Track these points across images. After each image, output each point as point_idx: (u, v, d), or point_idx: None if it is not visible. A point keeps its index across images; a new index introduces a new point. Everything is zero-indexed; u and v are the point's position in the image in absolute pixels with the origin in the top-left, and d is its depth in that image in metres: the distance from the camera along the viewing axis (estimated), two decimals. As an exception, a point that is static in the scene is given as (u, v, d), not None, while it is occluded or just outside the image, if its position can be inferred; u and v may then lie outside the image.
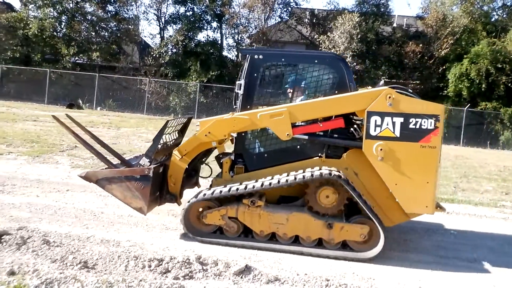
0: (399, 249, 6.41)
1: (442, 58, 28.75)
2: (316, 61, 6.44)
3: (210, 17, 32.52)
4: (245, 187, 5.82)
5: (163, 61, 30.91)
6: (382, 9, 31.11)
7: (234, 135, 6.44)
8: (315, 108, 6.09)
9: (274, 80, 6.64)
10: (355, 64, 27.48)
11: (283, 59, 6.69)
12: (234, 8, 32.30)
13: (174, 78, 30.22)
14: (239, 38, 32.82)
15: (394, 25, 32.79)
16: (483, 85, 26.97)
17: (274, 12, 32.10)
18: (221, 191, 5.86)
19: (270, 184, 5.79)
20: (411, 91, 6.23)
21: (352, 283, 5.00)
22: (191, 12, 32.52)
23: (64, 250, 5.02)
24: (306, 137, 6.20)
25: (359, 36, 27.82)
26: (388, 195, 6.02)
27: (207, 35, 33.49)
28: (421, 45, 28.76)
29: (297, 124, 6.15)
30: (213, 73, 29.37)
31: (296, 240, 6.01)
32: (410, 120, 5.80)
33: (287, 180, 5.79)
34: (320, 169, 5.94)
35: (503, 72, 27.02)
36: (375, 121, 5.85)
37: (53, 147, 11.97)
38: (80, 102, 27.94)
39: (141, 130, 18.33)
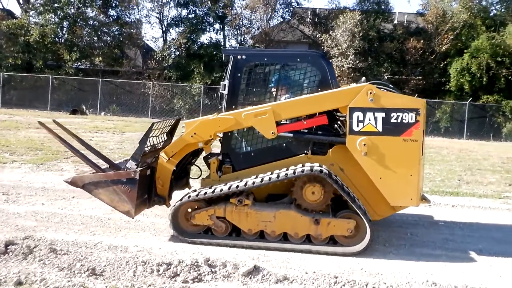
0: (406, 243, 6.39)
1: (443, 54, 28.61)
2: (298, 59, 6.55)
3: (212, 19, 32.52)
4: (229, 188, 5.83)
5: (166, 64, 30.89)
6: (382, 7, 31.05)
7: (221, 135, 6.45)
8: (298, 106, 6.12)
9: (257, 79, 6.66)
10: (357, 62, 27.34)
11: (265, 59, 6.75)
12: (236, 9, 32.36)
13: (178, 81, 30.19)
14: (242, 39, 32.78)
15: (395, 22, 32.75)
16: (484, 79, 26.86)
17: (276, 13, 32.12)
18: (205, 193, 5.87)
19: (253, 183, 5.81)
20: (391, 86, 6.30)
21: (360, 279, 4.97)
22: (193, 15, 32.55)
23: (71, 258, 4.98)
24: (291, 135, 6.25)
25: (361, 34, 27.70)
26: (374, 189, 6.04)
27: (209, 37, 33.65)
28: (422, 41, 28.63)
29: (281, 122, 6.19)
30: (217, 75, 29.28)
31: (285, 237, 6.02)
32: (392, 115, 5.86)
33: (270, 179, 5.80)
34: (303, 166, 5.97)
35: (503, 66, 26.90)
36: (358, 116, 5.90)
37: (57, 154, 11.93)
38: (84, 107, 27.93)
39: (146, 133, 18.27)
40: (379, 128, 5.88)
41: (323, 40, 28.38)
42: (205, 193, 5.86)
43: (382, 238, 6.51)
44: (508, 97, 27.29)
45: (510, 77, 27.05)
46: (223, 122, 6.15)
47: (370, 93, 5.84)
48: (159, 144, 6.51)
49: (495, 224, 7.58)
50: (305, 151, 6.32)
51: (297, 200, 6.05)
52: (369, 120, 5.90)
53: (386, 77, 29.32)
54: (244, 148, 6.59)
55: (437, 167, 13.43)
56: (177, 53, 31.73)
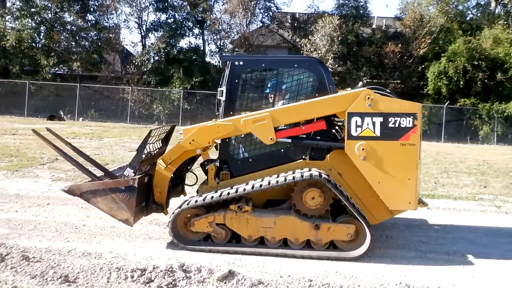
0: (381, 246, 6.46)
1: (421, 57, 29.12)
2: (295, 65, 6.52)
3: (191, 24, 32.47)
4: (228, 193, 5.80)
5: (145, 69, 30.76)
6: (361, 11, 31.39)
7: (218, 141, 6.42)
8: (297, 111, 6.14)
9: (255, 85, 6.64)
10: (336, 66, 27.63)
11: (263, 65, 6.74)
12: (215, 14, 32.39)
13: (157, 86, 30.08)
14: (222, 44, 32.83)
15: (374, 26, 33.17)
16: (461, 82, 27.42)
17: (255, 17, 32.32)
18: (206, 198, 5.82)
19: (253, 188, 5.79)
20: (388, 90, 6.31)
21: (335, 282, 5.02)
22: (172, 19, 32.45)
23: (44, 265, 4.94)
24: (290, 140, 6.24)
25: (339, 39, 28.01)
26: (372, 193, 6.07)
27: (189, 42, 33.39)
28: (400, 45, 29.10)
29: (280, 128, 6.19)
30: (196, 80, 29.32)
31: (284, 243, 6.01)
32: (390, 120, 5.89)
33: (269, 183, 5.79)
34: (303, 171, 5.96)
35: (480, 69, 27.50)
36: (356, 121, 5.92)
37: (33, 161, 11.78)
38: (62, 113, 27.65)
39: (124, 139, 18.20)
40: (377, 132, 5.92)
41: (302, 44, 28.60)
42: (206, 198, 5.83)
43: None
44: (484, 100, 27.92)
45: (486, 81, 27.66)
46: (222, 129, 6.14)
47: (368, 98, 5.89)
48: (154, 151, 6.45)
49: (469, 226, 7.72)
50: (303, 157, 6.32)
51: (297, 206, 6.05)
52: (367, 125, 5.93)
53: (365, 81, 29.66)
54: (242, 154, 6.56)
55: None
56: (156, 58, 31.64)
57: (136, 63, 30.60)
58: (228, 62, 6.53)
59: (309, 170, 5.99)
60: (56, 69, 31.28)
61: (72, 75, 31.43)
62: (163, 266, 4.96)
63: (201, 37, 33.11)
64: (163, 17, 32.80)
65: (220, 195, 5.82)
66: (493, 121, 28.06)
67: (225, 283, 4.83)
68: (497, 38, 28.36)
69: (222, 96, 6.44)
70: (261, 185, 5.84)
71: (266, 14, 32.69)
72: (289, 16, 33.37)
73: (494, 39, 28.33)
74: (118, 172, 6.14)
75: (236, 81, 6.42)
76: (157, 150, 6.50)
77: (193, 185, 6.97)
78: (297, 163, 6.29)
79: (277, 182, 5.81)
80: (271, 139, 6.10)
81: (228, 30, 32.18)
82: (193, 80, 29.26)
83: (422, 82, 29.36)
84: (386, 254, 6.13)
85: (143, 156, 5.94)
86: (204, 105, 29.41)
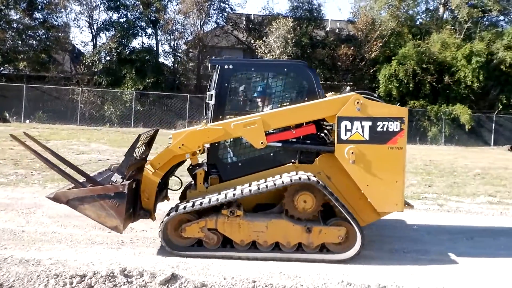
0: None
1: (373, 60, 29.89)
2: (285, 69, 6.60)
3: (144, 24, 31.98)
4: (225, 196, 5.83)
5: (96, 70, 30.02)
6: (315, 14, 31.88)
7: (207, 145, 6.39)
8: (287, 115, 6.23)
9: (244, 89, 6.73)
10: (290, 68, 27.90)
11: (252, 69, 6.76)
12: (169, 14, 32.05)
13: (108, 87, 29.43)
14: (175, 45, 32.56)
15: (327, 29, 33.80)
16: (411, 85, 28.38)
17: (210, 18, 32.16)
18: (201, 203, 5.84)
19: (250, 191, 5.83)
20: (376, 95, 6.50)
21: (278, 283, 5.11)
22: (124, 19, 31.86)
23: (-24, 274, 4.78)
24: (280, 144, 6.31)
25: (293, 41, 28.33)
26: (360, 196, 6.24)
27: (142, 42, 32.90)
28: (352, 48, 29.76)
29: (270, 132, 6.24)
30: (150, 81, 28.90)
31: (276, 247, 6.08)
32: (378, 124, 6.07)
33: (267, 186, 5.86)
34: (297, 174, 6.06)
35: (428, 72, 28.55)
36: (345, 125, 6.08)
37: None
38: (7, 115, 26.62)
39: (73, 142, 17.75)
40: (366, 136, 6.08)
41: (257, 46, 28.76)
42: (203, 203, 5.82)
43: None
44: (432, 102, 29.01)
45: (434, 83, 28.73)
46: (212, 133, 6.13)
47: (358, 102, 6.02)
48: (137, 156, 6.27)
49: (412, 224, 8.02)
50: (293, 160, 6.40)
51: (288, 209, 6.12)
52: (357, 128, 6.08)
53: (349, 87, 30.22)
54: (231, 158, 6.57)
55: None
56: (108, 58, 30.95)
57: (86, 63, 29.81)
58: (217, 66, 6.49)
59: (303, 174, 6.07)
60: (1, 69, 30.11)
61: (19, 75, 30.27)
62: (104, 272, 4.90)
63: (154, 37, 32.71)
64: (115, 16, 32.17)
65: (217, 200, 5.82)
66: (441, 122, 29.21)
67: (167, 286, 4.82)
68: (445, 43, 29.52)
69: (211, 99, 6.44)
70: (258, 188, 5.87)
71: (221, 15, 32.67)
72: (244, 18, 33.49)
73: (442, 43, 29.48)
74: (99, 178, 6.01)
75: (226, 84, 6.41)
76: (140, 154, 6.36)
77: (177, 189, 6.91)
78: (287, 167, 6.39)
79: (274, 184, 5.87)
80: (261, 143, 6.16)
81: (182, 30, 31.96)
82: (146, 81, 28.83)
83: (374, 84, 30.14)
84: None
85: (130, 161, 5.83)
86: (158, 106, 29.09)
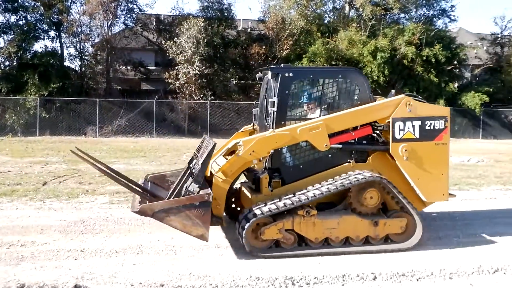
0: (234, 244, 6.92)
1: (285, 58, 30.80)
2: (339, 75, 7.18)
3: (46, 26, 30.72)
4: (307, 198, 6.37)
5: (-6, 76, 28.49)
6: (226, 14, 32.30)
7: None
8: (347, 118, 6.89)
9: (303, 95, 7.24)
10: (203, 68, 28.22)
11: (311, 76, 7.28)
12: (73, 15, 31.00)
13: (9, 94, 27.99)
14: (82, 47, 31.64)
15: (239, 28, 34.42)
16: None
17: (117, 19, 31.53)
18: (284, 204, 6.27)
19: (329, 190, 6.46)
20: (420, 97, 7.25)
21: (187, 284, 5.36)
22: (24, 21, 30.41)
23: None
24: (340, 146, 6.91)
25: (205, 41, 28.56)
26: (408, 189, 6.96)
27: (45, 45, 31.75)
28: (264, 47, 30.54)
29: (331, 135, 6.81)
30: (55, 86, 27.88)
31: (346, 242, 6.72)
32: (426, 123, 6.94)
33: (343, 184, 6.51)
34: (365, 172, 6.75)
35: (338, 69, 29.99)
36: (399, 125, 6.88)
37: None
38: None
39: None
40: (417, 134, 6.91)
41: (168, 46, 28.74)
42: (287, 203, 6.29)
43: (213, 242, 6.97)
44: (343, 97, 30.54)
45: (343, 79, 30.28)
46: (280, 138, 6.59)
47: (409, 104, 6.87)
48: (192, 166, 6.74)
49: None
50: (348, 160, 7.00)
51: (355, 206, 6.70)
52: (408, 128, 6.89)
53: (233, 82, 30.80)
54: (293, 161, 6.99)
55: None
56: (7, 63, 29.52)
57: (-18, 70, 28.21)
58: (278, 74, 6.92)
59: (368, 173, 6.74)
60: None
61: None
62: (-2, 289, 4.83)
63: (58, 40, 31.53)
64: (13, 18, 30.63)
65: (300, 200, 6.33)
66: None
67: (71, 300, 4.85)
68: (352, 40, 31.18)
69: (273, 106, 6.81)
70: (337, 187, 6.47)
71: (129, 16, 32.15)
72: (153, 18, 33.26)
73: (349, 41, 31.11)
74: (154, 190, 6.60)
75: (287, 92, 6.90)
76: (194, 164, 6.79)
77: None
78: (344, 167, 7.00)
79: (358, 179, 6.50)
80: (326, 145, 6.73)
81: (88, 32, 31.13)
82: (50, 87, 27.76)
83: (287, 82, 31.12)
84: (239, 251, 6.60)
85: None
86: (65, 112, 28.19)
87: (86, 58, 32.03)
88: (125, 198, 10.02)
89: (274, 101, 6.87)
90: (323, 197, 6.54)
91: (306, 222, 6.46)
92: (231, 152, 7.41)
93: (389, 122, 6.93)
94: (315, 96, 7.29)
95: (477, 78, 39.63)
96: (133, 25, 32.56)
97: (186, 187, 6.25)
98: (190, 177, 6.49)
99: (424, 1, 34.99)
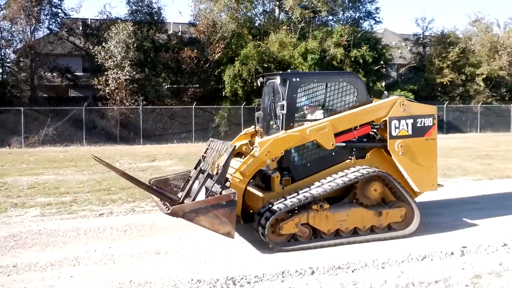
0: (175, 248, 7.20)
1: (217, 62, 31.24)
2: (340, 79, 7.81)
3: (-38, 32, 29.38)
4: (319, 192, 7.03)
5: None
6: (155, 18, 32.13)
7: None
8: (350, 119, 7.57)
9: (310, 98, 7.86)
10: (134, 73, 28.06)
11: (315, 80, 7.87)
12: (-8, 20, 29.81)
13: None
14: (3, 54, 30.42)
15: (170, 32, 34.38)
16: (254, 84, 30.24)
17: (41, 24, 30.55)
18: (293, 202, 6.84)
19: (337, 184, 7.16)
20: (410, 97, 7.84)
21: None
22: None
23: None
24: (344, 144, 7.55)
25: (135, 45, 28.43)
26: (401, 181, 7.66)
27: (-39, 53, 30.14)
28: (196, 50, 30.71)
29: (336, 134, 7.41)
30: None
31: (354, 232, 7.41)
32: (418, 120, 7.76)
33: (351, 178, 7.20)
34: (370, 167, 7.52)
35: (270, 71, 30.54)
36: (395, 124, 7.66)
37: None
38: None
39: None
40: (410, 131, 7.72)
41: (96, 52, 28.32)
42: (301, 199, 6.91)
43: (152, 249, 7.22)
44: (276, 99, 31.29)
45: (276, 81, 31.02)
46: (292, 139, 7.16)
47: (402, 104, 7.64)
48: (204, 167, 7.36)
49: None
50: (349, 157, 7.64)
51: (360, 198, 7.34)
52: (403, 126, 7.66)
53: (165, 87, 30.78)
54: (301, 160, 7.52)
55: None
56: None
57: None
58: (287, 79, 7.45)
59: (371, 168, 7.46)
60: None
61: None
62: None
63: (-24, 47, 30.12)
64: None
65: (312, 195, 6.97)
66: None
67: None
68: (282, 42, 32.04)
69: (283, 109, 7.46)
70: (344, 182, 7.15)
71: (54, 20, 31.26)
72: (80, 23, 32.60)
73: (280, 43, 31.96)
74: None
75: (294, 95, 7.46)
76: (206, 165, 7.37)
77: None
78: (346, 163, 7.66)
79: (363, 174, 7.25)
80: (332, 144, 7.36)
81: (10, 38, 30.02)
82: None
83: (220, 85, 31.56)
84: (180, 255, 6.93)
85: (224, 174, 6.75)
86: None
87: (7, 65, 30.86)
88: (57, 210, 9.99)
89: (283, 105, 7.47)
90: (333, 191, 7.22)
91: (320, 215, 7.13)
92: (236, 154, 7.90)
93: (385, 121, 7.75)
94: (320, 98, 8.01)
95: (403, 77, 42.02)
96: (58, 30, 31.74)
97: (209, 188, 6.65)
98: (209, 179, 6.90)
99: (350, 4, 36.48)
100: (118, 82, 27.96)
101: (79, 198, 11.24)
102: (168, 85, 30.96)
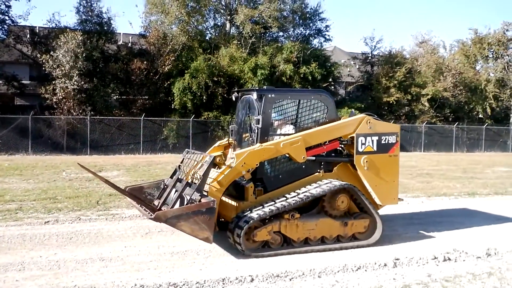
0: (120, 255, 7.54)
1: (166, 74, 32.00)
2: (312, 97, 8.56)
3: None
4: (294, 202, 7.65)
5: None
6: (105, 28, 32.64)
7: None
8: (321, 134, 8.30)
9: (283, 113, 8.44)
10: (83, 83, 28.59)
11: (289, 96, 8.57)
12: None
13: None
14: None
15: (120, 43, 35.00)
16: (204, 97, 31.43)
17: (-13, 31, 30.82)
18: (271, 210, 7.45)
19: (308, 196, 7.77)
20: (376, 116, 8.82)
21: None
22: None
23: None
24: (314, 158, 8.26)
25: (84, 55, 28.89)
26: (365, 194, 8.40)
27: None
28: (145, 62, 31.39)
29: (307, 148, 8.10)
30: None
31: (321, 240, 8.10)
32: (382, 138, 8.57)
33: (323, 190, 7.88)
34: (336, 180, 8.19)
35: (220, 85, 31.93)
36: (361, 140, 8.44)
37: None
38: None
39: None
40: (375, 148, 8.49)
41: (44, 60, 28.69)
42: (271, 210, 7.45)
43: (97, 256, 7.55)
44: (225, 112, 32.34)
45: (225, 95, 32.08)
46: (267, 151, 7.77)
47: (369, 122, 8.41)
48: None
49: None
50: (318, 170, 8.35)
51: (328, 209, 8.03)
52: (369, 142, 8.41)
53: (114, 98, 31.41)
54: (273, 172, 8.15)
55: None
56: None
57: None
58: (262, 95, 8.08)
59: (338, 181, 8.12)
60: None
61: None
62: None
63: None
64: None
65: (289, 204, 7.57)
66: (234, 131, 32.69)
67: None
68: (233, 56, 33.15)
69: (258, 123, 8.02)
70: (327, 189, 7.85)
71: (1, 27, 31.49)
72: (28, 30, 32.85)
73: (230, 57, 33.06)
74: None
75: (269, 110, 8.09)
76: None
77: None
78: (315, 176, 8.38)
79: (334, 185, 7.94)
80: (303, 158, 8.04)
81: (-47, 44, 30.09)
82: None
83: (169, 98, 32.38)
84: (127, 261, 7.30)
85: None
86: None
87: (-51, 71, 30.81)
88: (2, 217, 10.21)
89: (258, 119, 8.05)
90: (305, 202, 7.80)
91: (291, 224, 7.72)
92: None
93: (352, 137, 8.44)
94: (292, 114, 8.53)
95: (350, 95, 44.13)
96: (4, 37, 32.00)
97: (185, 197, 7.25)
98: (188, 187, 7.47)
99: (301, 21, 38.17)
100: (66, 91, 28.40)
101: (24, 206, 11.47)
102: (117, 96, 31.51)
